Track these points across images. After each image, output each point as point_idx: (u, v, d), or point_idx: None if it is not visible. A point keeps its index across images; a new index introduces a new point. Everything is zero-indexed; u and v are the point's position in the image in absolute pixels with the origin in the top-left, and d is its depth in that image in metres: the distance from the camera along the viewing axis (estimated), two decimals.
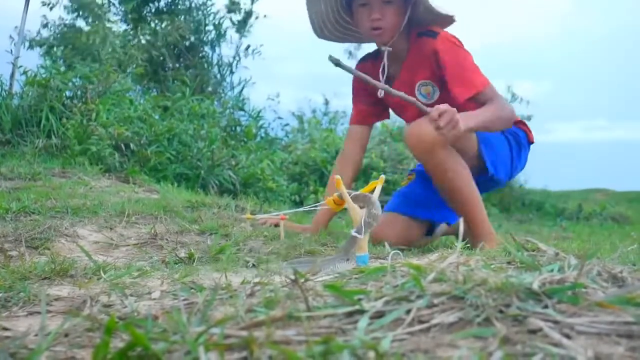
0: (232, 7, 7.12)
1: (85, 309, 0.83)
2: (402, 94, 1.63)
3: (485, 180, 1.88)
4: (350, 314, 0.60)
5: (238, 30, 7.17)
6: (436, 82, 1.85)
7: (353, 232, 1.23)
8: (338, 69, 1.59)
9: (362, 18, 1.84)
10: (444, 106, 1.55)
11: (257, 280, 0.93)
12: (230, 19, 7.09)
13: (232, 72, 7.04)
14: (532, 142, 2.06)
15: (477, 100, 1.74)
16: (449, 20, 1.86)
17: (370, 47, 2.06)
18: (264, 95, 8.57)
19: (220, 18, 6.99)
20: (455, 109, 1.56)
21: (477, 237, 1.70)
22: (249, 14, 7.19)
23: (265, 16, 7.31)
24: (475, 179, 1.76)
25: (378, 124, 7.56)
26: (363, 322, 0.56)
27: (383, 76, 1.88)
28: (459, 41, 1.84)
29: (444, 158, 1.67)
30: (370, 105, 2.03)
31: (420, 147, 1.66)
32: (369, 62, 2.01)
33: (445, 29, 1.85)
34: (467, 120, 1.60)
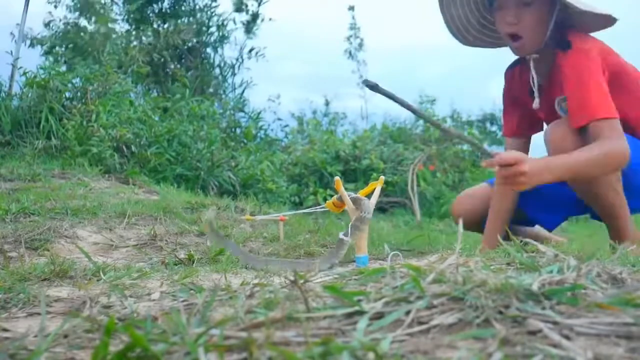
0: (240, 7, 7.12)
1: (84, 310, 0.83)
2: (458, 132, 1.47)
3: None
4: (349, 315, 0.60)
5: (247, 31, 7.17)
6: None
7: (341, 235, 1.24)
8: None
9: (498, 23, 1.62)
10: (509, 156, 1.35)
11: (256, 281, 0.93)
12: (234, 20, 7.10)
13: (234, 74, 7.06)
14: None
15: (589, 132, 1.49)
16: (606, 21, 1.56)
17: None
18: (264, 96, 8.60)
19: (224, 20, 7.00)
20: (520, 160, 1.34)
21: (622, 239, 1.58)
22: (255, 16, 7.20)
23: (270, 19, 7.33)
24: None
25: (379, 125, 7.57)
26: (362, 323, 0.56)
27: (534, 88, 1.68)
28: (603, 53, 1.56)
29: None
30: (518, 116, 1.82)
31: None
32: (517, 70, 1.78)
33: (595, 36, 1.60)
34: (542, 174, 1.38)
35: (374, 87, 1.31)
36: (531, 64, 1.66)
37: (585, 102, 1.50)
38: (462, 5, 1.69)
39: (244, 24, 7.17)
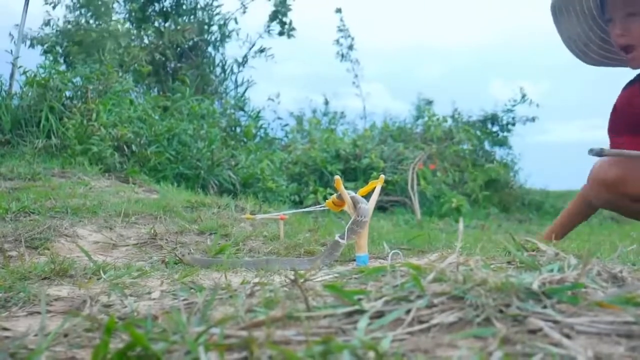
0: (276, 16, 7.16)
1: (85, 309, 0.83)
2: (622, 151, 1.46)
3: None
4: (350, 314, 0.60)
5: (287, 36, 7.19)
6: None
7: (337, 237, 1.24)
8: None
9: (612, 37, 1.57)
10: None
11: (256, 280, 0.93)
12: (235, 20, 7.09)
13: (240, 71, 7.07)
14: None
15: None
16: None
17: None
18: (264, 95, 8.59)
19: (227, 18, 7.00)
20: None
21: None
22: (283, 23, 7.22)
23: (294, 29, 7.34)
24: None
25: (379, 124, 7.57)
26: (363, 322, 0.56)
27: None
28: None
29: None
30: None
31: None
32: (636, 86, 1.66)
33: None
34: None
35: (600, 154, 1.33)
36: None
37: None
38: (579, 22, 1.62)
39: (278, 34, 7.21)
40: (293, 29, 7.27)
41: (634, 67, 1.59)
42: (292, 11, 7.27)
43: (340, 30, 8.66)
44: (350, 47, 8.65)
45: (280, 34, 7.25)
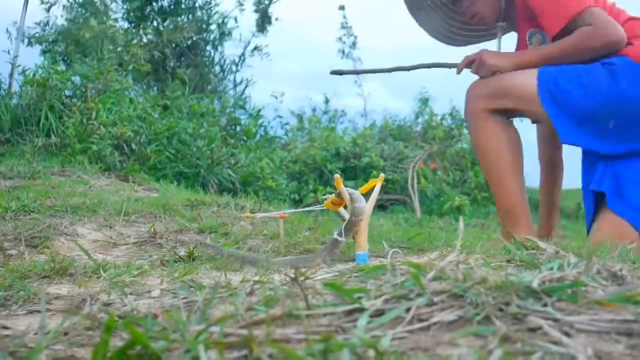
0: (259, 7, 7.14)
1: (84, 307, 0.83)
2: (430, 63, 1.68)
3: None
4: (349, 313, 0.60)
5: (260, 30, 7.18)
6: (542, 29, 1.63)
7: (335, 235, 1.24)
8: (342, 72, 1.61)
9: (462, 15, 1.78)
10: (470, 55, 1.54)
11: (256, 278, 0.93)
12: (235, 19, 7.09)
13: (237, 71, 7.07)
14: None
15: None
16: None
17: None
18: (264, 94, 8.60)
19: (225, 17, 6.99)
20: (479, 52, 1.54)
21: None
22: (265, 14, 7.20)
23: (277, 19, 7.34)
24: None
25: (379, 122, 7.57)
26: (363, 320, 0.56)
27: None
28: None
29: None
30: None
31: None
32: None
33: None
34: (500, 55, 1.55)
35: (341, 73, 1.50)
36: (498, 34, 1.77)
37: (555, 7, 1.49)
38: (436, 14, 1.83)
39: (258, 23, 7.18)
40: (274, 19, 7.23)
41: (489, 27, 1.79)
42: (275, 4, 7.28)
43: (343, 28, 8.65)
44: (354, 45, 8.64)
45: (260, 30, 7.23)
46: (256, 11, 7.16)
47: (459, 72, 1.61)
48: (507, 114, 1.61)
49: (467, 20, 1.77)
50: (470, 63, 1.59)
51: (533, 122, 1.89)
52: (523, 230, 1.55)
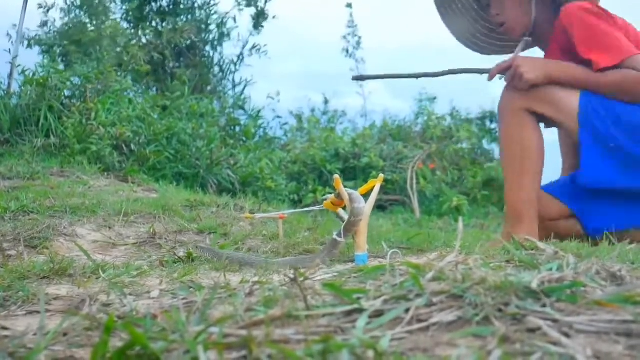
0: (250, 2, 7.13)
1: (84, 308, 0.83)
2: (459, 69, 1.64)
3: None
4: (349, 313, 0.60)
5: (254, 27, 7.18)
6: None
7: (335, 235, 1.24)
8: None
9: (491, 18, 1.76)
10: (504, 62, 1.52)
11: (256, 279, 0.93)
12: (234, 19, 7.08)
13: (236, 70, 7.06)
14: None
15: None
16: None
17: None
18: (264, 94, 8.63)
19: (224, 17, 6.99)
20: (513, 59, 1.51)
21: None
22: (261, 12, 7.20)
23: (274, 17, 7.33)
24: None
25: (379, 123, 7.57)
26: (362, 321, 0.56)
27: None
28: (597, 8, 1.56)
29: None
30: None
31: None
32: None
33: None
34: (537, 63, 1.52)
35: (362, 79, 1.49)
36: (519, 46, 1.72)
37: (604, 46, 1.49)
38: (463, 16, 1.80)
39: (253, 18, 7.17)
40: (271, 17, 7.23)
41: (513, 37, 1.75)
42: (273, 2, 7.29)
43: (349, 27, 8.63)
44: (358, 44, 8.62)
45: (255, 26, 7.22)
46: (248, 5, 7.14)
47: (490, 79, 1.58)
48: (539, 120, 1.62)
49: (496, 27, 1.76)
50: (503, 70, 1.56)
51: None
52: (525, 231, 1.55)
